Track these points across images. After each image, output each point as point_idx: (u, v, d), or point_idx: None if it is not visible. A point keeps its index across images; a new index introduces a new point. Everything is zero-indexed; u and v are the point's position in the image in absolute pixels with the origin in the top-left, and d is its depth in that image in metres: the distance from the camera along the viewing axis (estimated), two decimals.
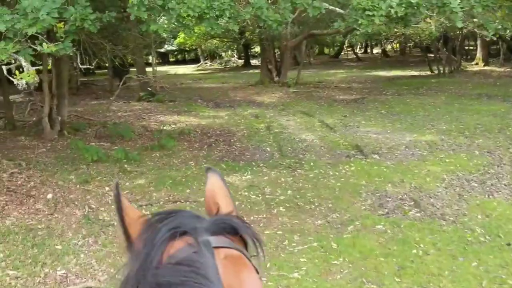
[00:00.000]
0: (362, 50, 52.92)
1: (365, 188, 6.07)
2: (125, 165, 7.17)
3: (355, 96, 16.55)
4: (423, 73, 24.49)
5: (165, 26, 5.73)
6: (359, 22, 7.04)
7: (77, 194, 5.84)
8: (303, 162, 7.54)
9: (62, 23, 4.60)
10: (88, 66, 9.12)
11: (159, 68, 51.39)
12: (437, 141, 8.73)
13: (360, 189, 6.05)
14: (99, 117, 13.28)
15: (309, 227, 4.81)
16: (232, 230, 0.78)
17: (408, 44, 35.37)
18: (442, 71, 21.63)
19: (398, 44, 51.48)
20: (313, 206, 5.47)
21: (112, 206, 5.53)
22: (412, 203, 5.55)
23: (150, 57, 68.92)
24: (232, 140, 9.60)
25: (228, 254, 0.73)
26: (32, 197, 5.70)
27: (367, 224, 4.86)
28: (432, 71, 23.90)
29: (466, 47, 28.98)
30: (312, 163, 7.39)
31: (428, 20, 9.00)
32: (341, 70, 31.04)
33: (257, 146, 8.99)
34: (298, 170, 6.99)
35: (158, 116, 13.36)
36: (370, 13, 5.98)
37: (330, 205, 5.47)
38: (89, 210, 5.30)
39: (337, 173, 6.78)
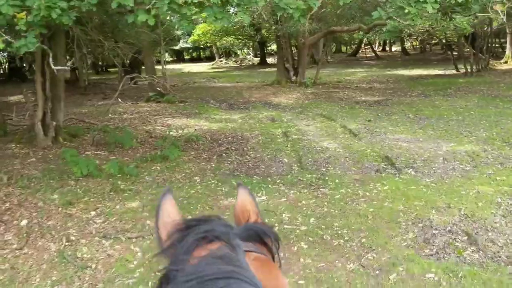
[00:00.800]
0: (380, 48, 51.41)
1: (404, 216, 4.98)
2: (119, 182, 6.19)
3: (378, 97, 15.39)
4: (448, 72, 23.12)
5: (154, 14, 4.67)
6: (406, 10, 5.98)
7: (57, 220, 4.88)
8: (326, 177, 6.47)
9: (24, 12, 3.64)
10: (65, 67, 8.13)
11: (173, 66, 50.81)
12: (479, 152, 7.57)
13: (398, 216, 4.96)
14: (102, 120, 12.40)
15: (339, 274, 3.76)
16: (259, 236, 0.85)
17: (428, 42, 33.88)
18: (470, 70, 20.25)
19: (417, 42, 49.93)
20: (342, 241, 4.40)
21: (96, 238, 4.56)
22: (466, 238, 4.45)
23: (166, 54, 68.40)
24: (245, 149, 8.57)
25: (256, 257, 0.79)
26: (4, 223, 4.76)
27: (413, 271, 3.79)
28: (457, 70, 22.52)
29: (491, 45, 27.42)
30: (337, 180, 6.31)
31: (496, 7, 7.76)
32: (360, 69, 29.81)
33: (274, 156, 7.95)
34: (321, 189, 5.92)
35: (166, 119, 12.39)
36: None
37: (363, 240, 4.41)
38: (67, 243, 4.32)
39: (367, 194, 5.70)
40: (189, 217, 0.85)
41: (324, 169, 6.97)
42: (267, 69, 34.72)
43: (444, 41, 24.30)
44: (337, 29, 17.22)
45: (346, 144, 8.69)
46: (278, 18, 17.44)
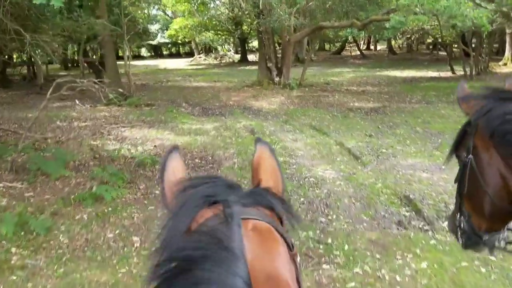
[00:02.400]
0: (365, 47, 49.75)
1: None
2: (15, 247, 4.02)
3: (374, 103, 13.44)
4: (442, 74, 21.40)
5: None
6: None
7: None
8: (329, 238, 4.41)
9: None
10: None
11: (149, 62, 48.22)
12: None
13: None
14: (44, 130, 10.13)
15: None
16: (266, 203, 0.80)
17: (422, 41, 32.23)
18: (469, 73, 18.49)
19: (403, 41, 48.42)
20: None
21: None
22: None
23: (143, 50, 65.48)
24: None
25: (256, 226, 0.74)
26: None
27: None
28: (453, 72, 20.82)
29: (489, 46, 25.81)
30: (346, 245, 4.26)
31: None
32: (347, 68, 27.96)
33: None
34: (324, 266, 3.86)
35: (123, 129, 10.19)
36: None
37: None
38: None
39: (397, 279, 3.66)
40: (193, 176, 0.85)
41: (323, 219, 4.91)
42: (247, 67, 32.58)
43: (439, 40, 22.40)
44: (326, 25, 15.20)
45: (348, 172, 6.66)
46: (261, 10, 15.37)
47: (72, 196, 5.37)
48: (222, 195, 0.77)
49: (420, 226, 4.72)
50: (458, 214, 1.68)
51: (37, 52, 9.73)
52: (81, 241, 4.25)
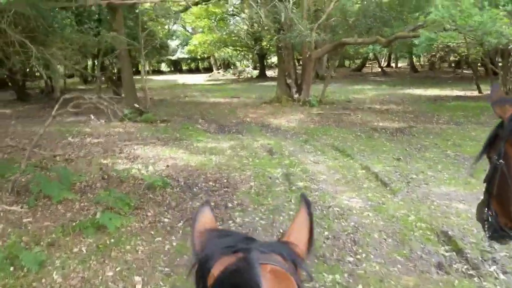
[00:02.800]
0: (385, 64, 49.01)
1: None
2: (1, 286, 3.53)
3: (399, 123, 12.79)
4: (469, 93, 20.62)
5: None
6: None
7: None
8: (359, 285, 3.82)
9: None
10: None
11: (168, 77, 48.30)
12: None
13: None
14: (54, 146, 9.77)
15: None
16: (281, 253, 0.88)
17: (445, 59, 31.45)
18: None
19: (426, 58, 47.57)
20: None
21: None
22: None
23: (163, 65, 65.89)
24: (230, 205, 5.93)
25: (273, 269, 0.84)
26: None
27: None
28: (480, 91, 20.04)
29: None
30: None
31: None
32: (368, 86, 27.31)
33: (270, 223, 5.30)
34: None
35: (136, 147, 9.76)
36: None
37: None
38: None
39: None
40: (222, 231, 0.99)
41: (351, 259, 4.32)
42: (266, 83, 32.20)
43: (466, 58, 21.65)
44: (349, 41, 14.69)
45: (377, 201, 6.05)
46: (281, 26, 14.95)
47: (73, 224, 4.88)
48: (242, 245, 0.88)
49: (464, 270, 4.09)
50: (486, 208, 1.83)
51: (42, 65, 9.33)
52: (76, 279, 3.74)
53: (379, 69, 41.93)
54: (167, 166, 7.99)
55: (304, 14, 14.96)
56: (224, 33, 20.02)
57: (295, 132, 11.85)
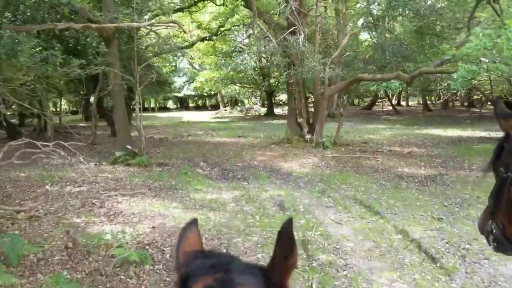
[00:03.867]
0: (395, 102, 47.71)
1: None
2: None
3: (426, 169, 11.20)
4: (493, 134, 19.03)
5: None
6: None
7: None
8: None
9: None
10: None
11: (173, 114, 47.19)
12: None
13: None
14: (25, 197, 8.26)
15: None
16: (259, 276, 0.90)
17: (469, 99, 29.97)
18: None
19: (438, 97, 46.26)
20: None
21: None
22: None
23: (169, 102, 65.05)
24: None
25: None
26: None
27: None
28: None
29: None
30: None
31: None
32: (381, 125, 25.88)
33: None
34: None
35: (120, 199, 8.21)
36: None
37: None
38: None
39: None
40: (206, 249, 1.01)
41: None
42: (274, 121, 30.88)
43: (490, 96, 20.24)
44: (366, 77, 13.31)
45: None
46: (291, 61, 13.65)
47: None
48: (223, 265, 0.90)
49: None
50: (491, 221, 1.88)
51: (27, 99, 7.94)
52: None
53: (390, 108, 40.64)
54: (153, 228, 6.41)
55: (316, 48, 13.68)
56: (230, 68, 18.72)
57: (309, 180, 10.28)
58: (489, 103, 41.63)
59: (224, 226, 6.56)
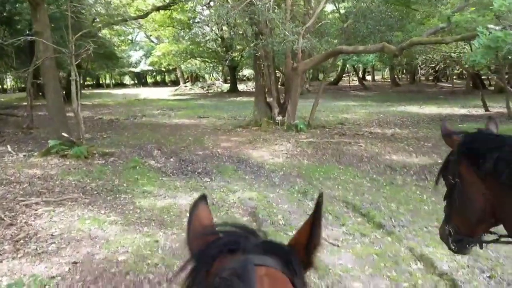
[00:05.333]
0: (360, 77, 46.42)
1: None
2: None
3: (419, 156, 9.66)
4: (473, 111, 17.87)
5: None
6: None
7: None
8: None
9: None
10: None
11: (129, 91, 44.17)
12: None
13: None
14: None
15: None
16: (278, 254, 0.84)
17: (445, 73, 28.80)
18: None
19: (404, 71, 45.37)
20: None
21: None
22: None
23: (126, 77, 61.34)
24: None
25: (268, 272, 0.79)
26: None
27: None
28: (487, 109, 17.31)
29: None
30: None
31: None
32: (352, 102, 24.43)
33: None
34: None
35: (41, 210, 6.16)
36: None
37: None
38: None
39: None
40: (220, 226, 0.94)
41: None
42: (238, 99, 28.91)
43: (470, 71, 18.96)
44: (346, 49, 11.49)
45: None
46: (259, 31, 11.67)
47: None
48: (240, 243, 0.84)
49: None
50: (447, 225, 2.09)
51: None
52: None
53: (357, 83, 39.33)
54: (73, 264, 4.44)
55: (287, 16, 11.74)
56: (188, 39, 16.39)
57: (284, 174, 8.50)
58: (454, 77, 41.18)
59: (177, 256, 4.67)
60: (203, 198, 1.03)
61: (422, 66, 24.12)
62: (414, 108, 19.79)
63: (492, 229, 2.03)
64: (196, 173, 8.81)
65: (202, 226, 0.94)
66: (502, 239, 2.03)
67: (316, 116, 14.32)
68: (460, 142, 1.97)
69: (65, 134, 9.94)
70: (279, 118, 13.06)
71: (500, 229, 1.95)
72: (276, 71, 15.19)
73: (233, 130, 13.44)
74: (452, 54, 16.52)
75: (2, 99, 31.49)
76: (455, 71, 33.12)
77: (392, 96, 27.99)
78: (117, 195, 7.02)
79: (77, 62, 10.08)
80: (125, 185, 7.65)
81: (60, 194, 7.09)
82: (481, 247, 2.06)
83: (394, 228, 5.47)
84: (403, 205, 6.43)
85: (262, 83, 13.60)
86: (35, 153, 10.31)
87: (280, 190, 7.37)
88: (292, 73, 12.55)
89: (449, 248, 2.12)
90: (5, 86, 47.11)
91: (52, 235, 5.28)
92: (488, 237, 2.07)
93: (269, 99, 13.53)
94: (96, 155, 10.09)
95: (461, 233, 2.01)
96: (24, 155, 10.23)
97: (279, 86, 14.57)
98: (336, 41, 12.10)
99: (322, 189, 7.31)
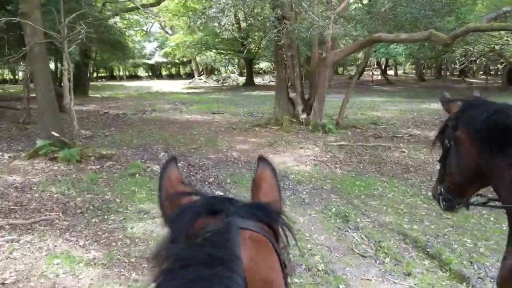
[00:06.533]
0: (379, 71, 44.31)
1: None
2: None
3: None
4: None
5: None
6: None
7: None
8: None
9: None
10: None
11: (142, 83, 42.84)
12: None
13: None
14: None
15: None
16: (263, 217, 0.79)
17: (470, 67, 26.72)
18: None
19: (432, 67, 43.17)
20: None
21: None
22: None
23: (140, 70, 59.76)
24: None
25: (253, 236, 0.74)
26: None
27: None
28: None
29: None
30: None
31: None
32: (379, 98, 22.60)
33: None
34: None
35: (2, 240, 4.69)
36: None
37: None
38: None
39: None
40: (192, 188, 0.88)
41: None
42: (254, 93, 27.27)
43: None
44: (386, 37, 9.79)
45: None
46: (281, 16, 10.06)
47: None
48: (221, 205, 0.77)
49: None
50: (440, 185, 2.22)
51: None
52: None
53: (379, 77, 37.38)
54: None
55: None
56: (201, 22, 14.80)
57: (314, 187, 6.92)
58: (481, 72, 38.82)
59: None
60: (173, 159, 0.95)
61: (461, 60, 21.88)
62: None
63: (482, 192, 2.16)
64: (206, 183, 7.28)
65: (174, 189, 0.87)
66: (490, 203, 2.16)
67: (346, 115, 12.63)
68: (458, 108, 2.06)
69: (55, 133, 8.46)
70: (303, 116, 11.43)
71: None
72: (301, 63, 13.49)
73: (251, 129, 11.84)
74: (496, 47, 14.62)
75: (11, 90, 30.32)
76: (489, 66, 30.99)
77: (420, 92, 26.09)
78: (105, 216, 5.51)
79: (70, 49, 8.56)
80: (118, 200, 6.15)
81: (35, 213, 5.61)
82: (467, 209, 2.20)
83: (483, 283, 3.85)
84: (480, 240, 4.80)
85: (284, 76, 11.94)
86: (23, 154, 8.88)
87: (311, 211, 5.79)
88: (320, 64, 10.89)
89: (440, 207, 2.26)
90: (5, 77, 44.91)
91: (2, 284, 3.78)
92: (477, 200, 2.24)
93: (292, 95, 11.89)
94: (92, 158, 8.60)
95: (452, 193, 2.15)
96: (10, 157, 8.81)
97: (303, 81, 12.85)
98: (367, 29, 10.35)
99: (366, 212, 5.71)
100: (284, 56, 11.63)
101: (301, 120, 11.43)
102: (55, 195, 6.32)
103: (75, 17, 8.55)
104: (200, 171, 8.06)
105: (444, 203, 2.19)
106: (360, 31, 9.74)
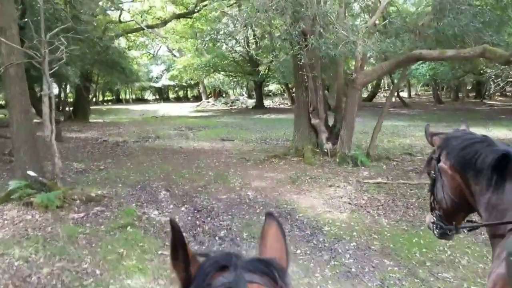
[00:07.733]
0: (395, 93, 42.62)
1: None
2: None
3: None
4: None
5: None
6: None
7: None
8: None
9: None
10: None
11: (148, 107, 41.48)
12: None
13: None
14: None
15: None
16: (268, 273, 0.82)
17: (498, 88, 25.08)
18: None
19: (446, 88, 41.58)
20: None
21: None
22: None
23: (148, 93, 58.56)
24: None
25: None
26: None
27: None
28: None
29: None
30: None
31: None
32: (398, 121, 21.08)
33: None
34: None
35: None
36: None
37: None
38: None
39: None
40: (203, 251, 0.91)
41: None
42: (265, 116, 25.77)
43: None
44: (428, 54, 8.23)
45: None
46: (302, 31, 8.58)
47: None
48: (229, 261, 0.82)
49: None
50: (432, 214, 2.31)
51: None
52: None
53: (394, 99, 35.75)
54: None
55: (344, 10, 8.62)
56: (209, 39, 13.43)
57: (359, 247, 5.28)
58: (497, 94, 37.14)
59: None
60: (176, 225, 0.94)
61: (495, 81, 20.22)
62: (480, 131, 16.22)
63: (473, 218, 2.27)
64: (216, 238, 5.68)
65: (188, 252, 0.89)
66: (474, 224, 2.27)
67: (377, 145, 11.00)
68: (440, 141, 2.20)
69: (31, 173, 6.92)
70: (328, 145, 9.82)
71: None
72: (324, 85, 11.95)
73: (267, 161, 10.25)
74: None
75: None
76: (505, 88, 29.34)
77: (441, 115, 24.41)
78: None
79: (52, 71, 7.07)
80: (97, 272, 4.54)
81: None
82: (458, 232, 2.26)
83: None
84: None
85: (305, 99, 10.38)
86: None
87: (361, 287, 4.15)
88: (347, 87, 9.35)
89: (433, 233, 2.32)
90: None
91: None
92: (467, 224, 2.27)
93: (314, 121, 10.29)
94: (77, 201, 7.05)
95: (443, 220, 2.23)
96: None
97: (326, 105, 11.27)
98: (406, 45, 8.83)
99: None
100: (305, 77, 10.10)
101: (325, 150, 9.83)
102: (16, 263, 4.73)
103: (59, 32, 7.10)
104: (209, 218, 6.47)
105: (437, 230, 2.29)
106: (398, 48, 8.21)
